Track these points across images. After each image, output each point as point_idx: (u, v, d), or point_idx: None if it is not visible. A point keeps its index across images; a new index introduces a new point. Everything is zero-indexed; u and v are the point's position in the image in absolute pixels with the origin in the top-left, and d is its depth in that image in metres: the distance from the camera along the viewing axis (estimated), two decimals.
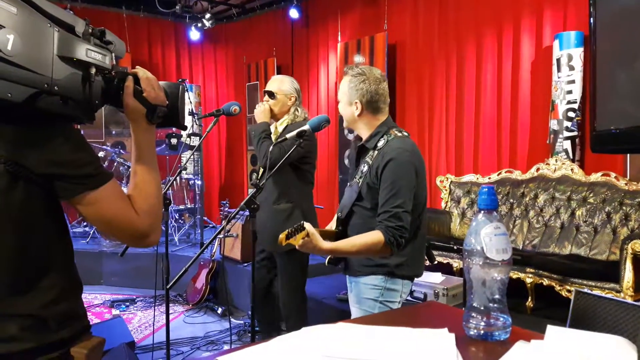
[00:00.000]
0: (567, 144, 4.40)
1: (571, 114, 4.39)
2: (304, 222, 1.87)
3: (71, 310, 1.14)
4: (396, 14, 5.86)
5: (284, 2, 7.09)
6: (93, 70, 1.08)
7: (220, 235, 4.58)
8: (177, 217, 6.42)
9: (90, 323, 1.24)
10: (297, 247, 1.87)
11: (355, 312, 2.14)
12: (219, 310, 4.87)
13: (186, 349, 4.03)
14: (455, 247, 3.92)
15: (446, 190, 4.97)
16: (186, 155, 6.15)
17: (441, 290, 3.71)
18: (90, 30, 1.10)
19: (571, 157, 4.40)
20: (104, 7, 7.24)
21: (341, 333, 1.19)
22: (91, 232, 6.26)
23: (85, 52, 1.07)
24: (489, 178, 4.75)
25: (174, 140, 5.64)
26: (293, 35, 7.15)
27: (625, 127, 1.66)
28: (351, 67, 2.14)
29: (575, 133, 4.41)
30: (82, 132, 1.18)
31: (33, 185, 1.06)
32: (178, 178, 5.87)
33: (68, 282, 1.14)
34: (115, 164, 5.86)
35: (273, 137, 2.97)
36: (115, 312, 4.86)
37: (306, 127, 2.22)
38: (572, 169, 4.29)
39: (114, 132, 6.90)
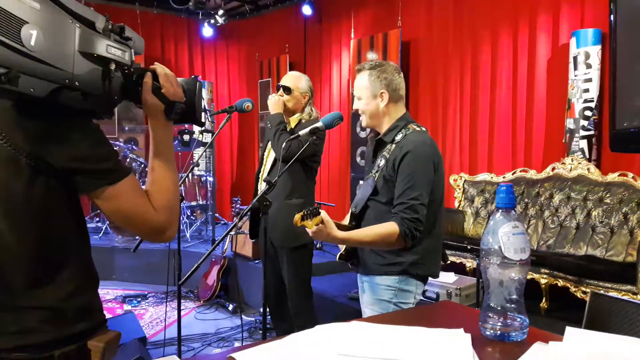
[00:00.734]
0: (584, 143, 4.33)
1: (588, 113, 4.32)
2: (320, 208, 1.83)
3: (89, 303, 1.15)
4: (410, 10, 5.80)
5: None
6: (113, 66, 1.09)
7: (232, 232, 4.68)
8: (189, 214, 6.38)
9: None
10: (310, 233, 1.84)
11: (368, 313, 2.11)
12: (230, 307, 4.85)
13: (197, 345, 4.02)
14: (468, 247, 3.86)
15: (460, 189, 4.90)
16: (198, 151, 6.12)
17: (454, 290, 3.67)
18: (110, 27, 1.11)
19: (587, 156, 4.33)
20: (117, 4, 7.25)
21: (355, 332, 1.17)
22: (104, 228, 6.26)
23: (106, 48, 1.08)
24: (504, 177, 4.67)
25: (186, 137, 5.73)
26: (306, 32, 7.10)
27: None
28: (365, 63, 2.13)
29: (592, 132, 4.34)
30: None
31: (53, 179, 1.07)
32: (190, 175, 5.76)
33: (86, 275, 1.15)
34: (128, 159, 5.84)
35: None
36: (127, 307, 4.85)
37: (319, 124, 2.19)
38: (588, 169, 4.23)
39: (127, 128, 6.87)
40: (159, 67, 1.25)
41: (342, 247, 2.19)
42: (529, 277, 3.66)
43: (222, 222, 7.12)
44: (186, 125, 5.36)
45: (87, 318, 1.14)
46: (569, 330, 1.13)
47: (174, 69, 7.51)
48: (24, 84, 0.93)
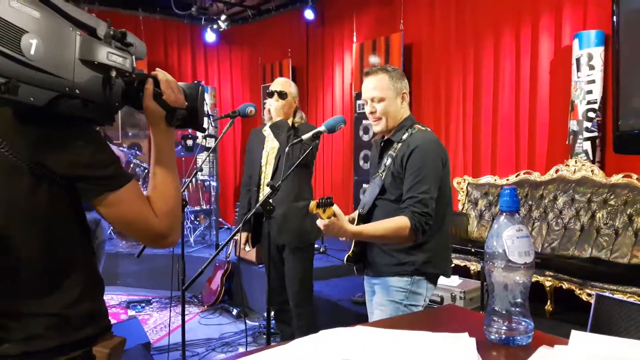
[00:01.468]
0: (587, 145, 4.30)
1: (591, 115, 4.30)
2: (332, 200, 1.82)
3: (94, 309, 1.15)
4: (412, 13, 5.76)
5: (299, 3, 7.02)
6: (114, 73, 1.09)
7: (236, 237, 4.33)
8: (192, 219, 6.35)
9: None
10: (322, 225, 1.82)
11: (377, 315, 2.10)
12: (234, 312, 4.82)
13: (201, 350, 3.99)
14: (472, 250, 3.92)
15: (463, 192, 4.86)
16: (202, 156, 6.08)
17: (458, 293, 3.64)
18: (111, 33, 1.10)
19: (591, 158, 4.30)
20: (120, 10, 7.25)
21: (360, 336, 1.16)
22: (107, 233, 6.18)
23: (107, 55, 1.07)
24: (507, 179, 4.63)
25: (189, 142, 5.66)
26: (308, 36, 7.08)
27: None
28: (378, 66, 2.12)
29: (595, 134, 4.31)
30: (102, 134, 1.17)
31: (56, 186, 1.07)
32: (194, 179, 5.64)
33: (90, 281, 1.16)
34: (131, 165, 5.84)
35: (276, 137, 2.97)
36: (131, 312, 4.82)
37: (322, 128, 2.18)
38: (592, 170, 4.19)
39: (130, 134, 6.86)
40: (160, 73, 1.24)
41: (350, 249, 2.16)
42: (533, 279, 3.52)
43: (225, 226, 7.10)
44: (189, 130, 5.37)
45: (92, 324, 1.14)
46: (575, 333, 1.12)
47: (177, 74, 7.50)
48: (23, 93, 0.93)
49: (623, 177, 4.00)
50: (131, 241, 5.74)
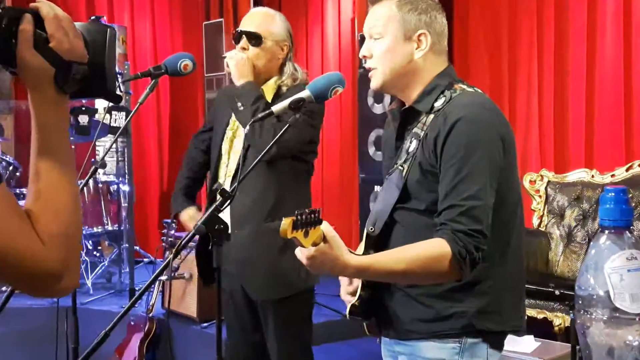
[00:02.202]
0: None
1: None
2: (320, 214, 1.41)
3: None
4: None
5: None
6: None
7: (163, 277, 4.20)
8: (90, 248, 5.38)
9: None
10: (304, 260, 1.46)
11: None
12: None
13: None
14: (556, 292, 3.54)
15: (540, 197, 4.20)
16: (104, 142, 5.37)
17: None
18: None
19: None
20: None
21: None
22: None
23: None
24: (612, 176, 4.02)
25: (82, 119, 4.66)
26: None
27: None
28: None
29: None
30: None
31: None
32: (91, 182, 4.94)
33: None
34: None
35: None
36: None
37: (305, 93, 1.74)
38: None
39: None
40: (45, 6, 1.00)
41: (356, 295, 1.76)
42: None
43: (145, 259, 6.15)
44: (83, 101, 4.55)
45: None
46: None
47: (65, 7, 6.14)
48: None
49: None
50: None
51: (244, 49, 2.43)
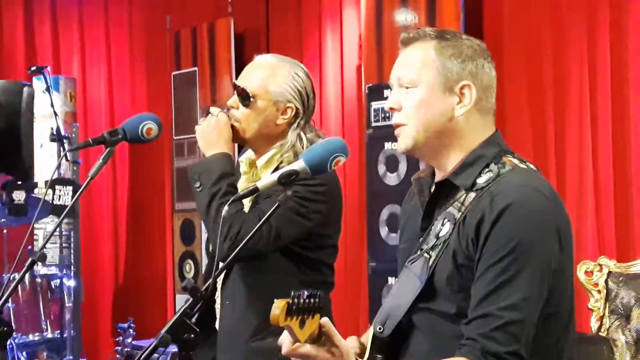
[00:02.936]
0: None
1: None
2: (320, 300, 1.29)
3: None
4: None
5: None
6: None
7: None
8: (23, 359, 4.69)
9: None
10: (298, 354, 1.33)
11: None
12: None
13: None
14: None
15: (599, 292, 3.57)
16: (45, 225, 4.98)
17: None
18: None
19: None
20: None
21: None
22: None
23: None
24: None
25: (18, 196, 4.14)
26: None
27: None
28: (424, 29, 1.57)
29: None
30: None
31: None
32: (28, 276, 4.39)
33: None
34: None
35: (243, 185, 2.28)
36: None
37: (299, 164, 1.57)
38: None
39: None
40: None
41: None
42: None
43: None
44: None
45: None
46: None
47: (1, 55, 5.73)
48: None
49: None
50: None
51: (232, 107, 2.20)
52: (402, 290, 1.53)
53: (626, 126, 3.64)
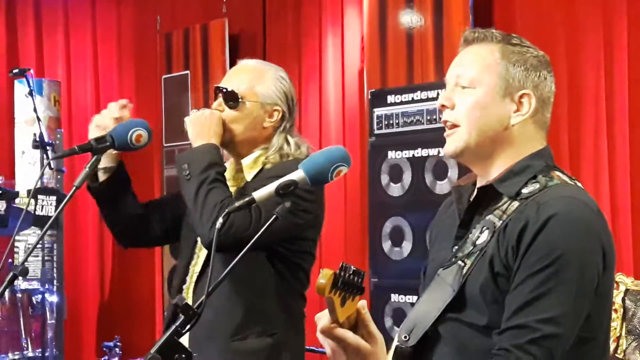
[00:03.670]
0: None
1: None
2: (363, 280, 1.23)
3: None
4: None
5: None
6: None
7: None
8: None
9: None
10: (334, 335, 1.24)
11: None
12: None
13: None
14: None
15: (616, 312, 3.37)
16: (26, 237, 4.77)
17: None
18: None
19: None
20: None
21: None
22: None
23: None
24: None
25: None
26: None
27: None
28: (491, 31, 1.54)
29: None
30: None
31: None
32: (8, 291, 3.65)
33: None
34: None
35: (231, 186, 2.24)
36: None
37: (298, 174, 1.53)
38: None
39: None
40: None
41: None
42: None
43: None
44: None
45: None
46: None
47: None
48: None
49: None
50: None
51: (218, 108, 2.22)
52: (432, 298, 1.49)
53: None
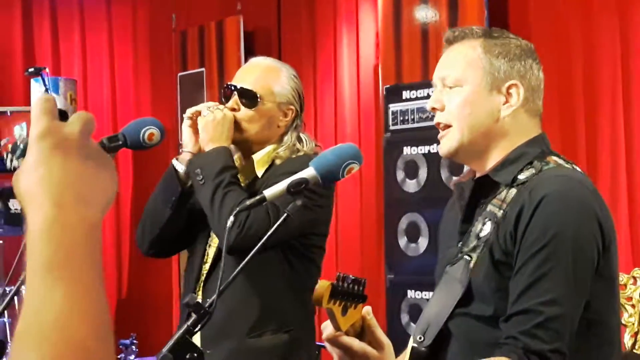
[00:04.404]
0: None
1: None
2: (365, 288, 1.25)
3: None
4: None
5: None
6: None
7: None
8: None
9: None
10: (340, 343, 1.24)
11: None
12: None
13: None
14: None
15: (633, 307, 2.99)
16: None
17: None
18: None
19: None
20: None
21: None
22: None
23: None
24: None
25: (14, 205, 4.49)
26: None
27: None
28: (471, 27, 1.58)
29: None
30: None
31: None
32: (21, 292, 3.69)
33: None
34: None
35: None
36: None
37: (309, 172, 1.51)
38: None
39: None
40: None
41: None
42: None
43: None
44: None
45: None
46: None
47: None
48: None
49: None
50: None
51: (233, 109, 2.18)
52: (442, 296, 1.49)
53: None
